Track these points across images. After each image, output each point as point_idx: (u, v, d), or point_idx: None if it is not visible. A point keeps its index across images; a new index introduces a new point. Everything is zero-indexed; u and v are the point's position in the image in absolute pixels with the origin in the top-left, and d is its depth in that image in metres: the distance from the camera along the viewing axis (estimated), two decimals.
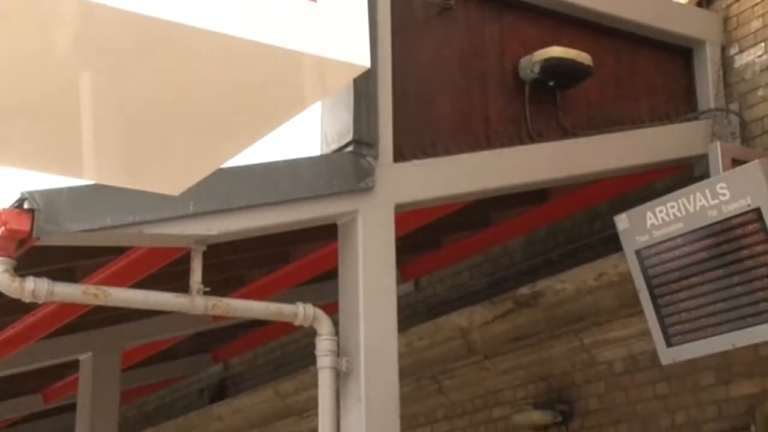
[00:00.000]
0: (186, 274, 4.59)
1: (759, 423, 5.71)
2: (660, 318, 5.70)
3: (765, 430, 5.66)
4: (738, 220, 5.24)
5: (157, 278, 5.14)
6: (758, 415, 5.73)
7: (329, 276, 5.76)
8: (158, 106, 2.29)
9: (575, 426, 6.81)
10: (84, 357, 7.47)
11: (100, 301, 4.41)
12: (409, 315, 7.98)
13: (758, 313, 5.22)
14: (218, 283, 4.94)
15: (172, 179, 2.63)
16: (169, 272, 5.20)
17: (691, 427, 6.11)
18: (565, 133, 5.63)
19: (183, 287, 4.60)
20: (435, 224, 6.10)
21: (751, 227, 5.20)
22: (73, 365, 7.76)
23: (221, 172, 4.03)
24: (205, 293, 4.53)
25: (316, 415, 4.64)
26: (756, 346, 5.61)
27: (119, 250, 5.04)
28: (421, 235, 6.47)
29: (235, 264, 6.35)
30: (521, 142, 5.45)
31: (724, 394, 5.98)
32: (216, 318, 6.79)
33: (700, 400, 6.10)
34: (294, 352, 9.44)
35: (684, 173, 6.28)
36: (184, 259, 4.67)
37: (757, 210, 5.16)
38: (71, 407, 8.02)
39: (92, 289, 4.42)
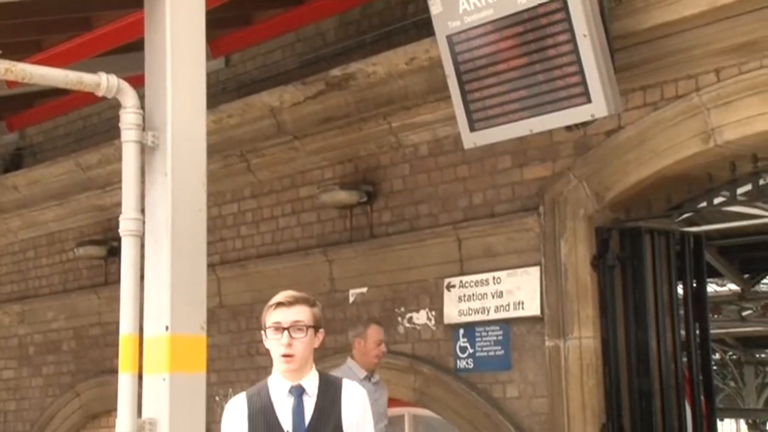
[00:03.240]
0: None
1: (546, 203, 6.11)
2: (466, 103, 5.87)
3: (551, 209, 6.08)
4: (545, 8, 5.36)
5: None
6: (546, 196, 6.13)
7: (135, 47, 5.51)
8: None
9: (379, 205, 7.07)
10: None
11: None
12: (219, 92, 7.84)
13: (556, 100, 5.46)
14: (12, 47, 4.63)
15: None
16: None
17: (486, 208, 6.47)
18: None
19: None
20: None
21: (556, 17, 5.34)
22: None
23: None
24: None
25: (120, 189, 4.56)
26: (551, 132, 5.91)
27: None
28: (232, 10, 6.26)
29: (31, 27, 5.95)
30: None
31: (518, 177, 6.33)
32: (10, 84, 6.43)
33: (496, 183, 6.44)
34: (97, 124, 9.15)
35: None
36: None
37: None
38: None
39: None
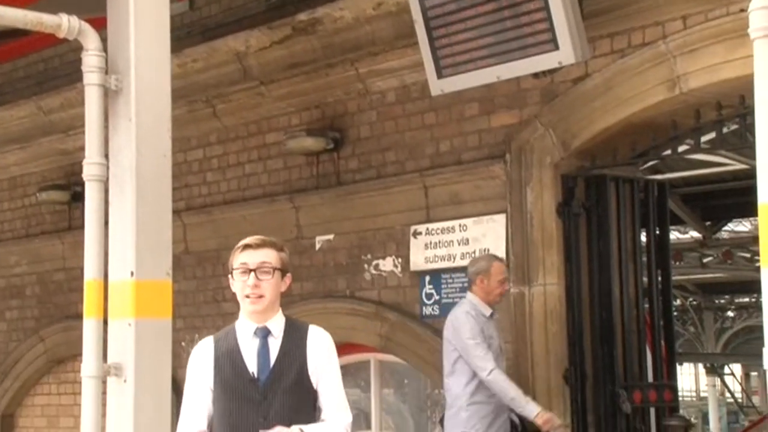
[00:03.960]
0: None
1: (513, 151, 6.13)
2: (433, 50, 5.84)
3: (518, 157, 6.10)
4: None
5: None
6: (513, 144, 6.14)
7: None
8: None
9: (346, 152, 7.05)
10: None
11: None
12: (184, 36, 7.72)
13: (523, 47, 5.45)
14: None
15: None
16: None
17: (454, 155, 6.48)
18: None
19: None
20: None
21: None
22: None
23: None
24: None
25: (83, 133, 4.50)
26: (518, 79, 5.91)
27: None
28: None
29: None
30: None
31: (485, 125, 6.33)
32: None
33: (463, 130, 6.44)
34: (58, 67, 8.99)
35: None
36: None
37: None
38: None
39: None
